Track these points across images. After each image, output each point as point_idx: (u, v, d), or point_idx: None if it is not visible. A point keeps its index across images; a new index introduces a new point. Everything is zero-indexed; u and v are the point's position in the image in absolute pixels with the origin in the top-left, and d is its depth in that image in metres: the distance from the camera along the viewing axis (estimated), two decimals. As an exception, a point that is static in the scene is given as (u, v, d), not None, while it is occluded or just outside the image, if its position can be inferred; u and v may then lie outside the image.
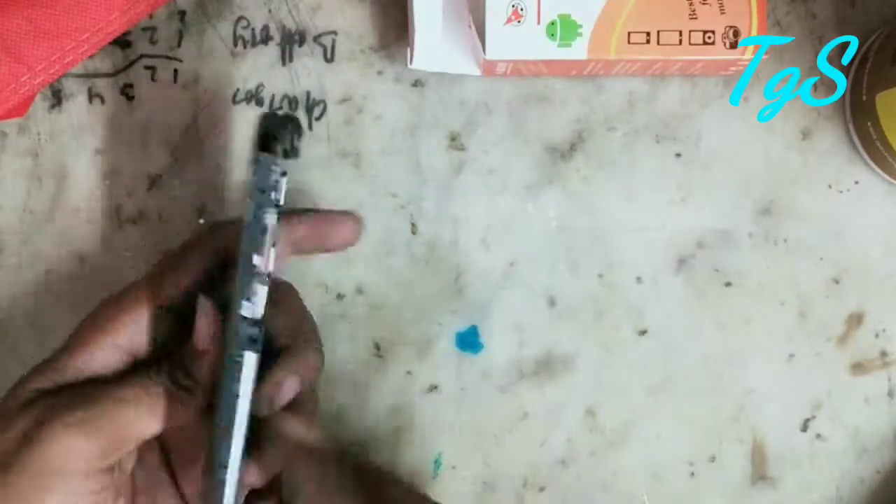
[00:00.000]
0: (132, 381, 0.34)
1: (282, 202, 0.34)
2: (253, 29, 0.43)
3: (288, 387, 0.34)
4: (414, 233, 0.43)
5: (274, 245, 0.34)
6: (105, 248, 0.43)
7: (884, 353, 0.44)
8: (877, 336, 0.44)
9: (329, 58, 0.43)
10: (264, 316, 0.34)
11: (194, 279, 0.36)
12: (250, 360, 0.34)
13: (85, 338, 0.35)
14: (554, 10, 0.38)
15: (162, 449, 0.37)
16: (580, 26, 0.39)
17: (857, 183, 0.44)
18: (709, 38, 0.39)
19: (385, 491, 0.36)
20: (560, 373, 0.44)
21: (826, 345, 0.44)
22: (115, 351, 0.35)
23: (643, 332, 0.44)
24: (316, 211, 0.40)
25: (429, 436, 0.43)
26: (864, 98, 0.41)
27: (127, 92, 0.43)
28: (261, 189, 0.33)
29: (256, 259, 0.33)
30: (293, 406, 0.35)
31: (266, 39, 0.43)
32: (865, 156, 0.43)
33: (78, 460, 0.32)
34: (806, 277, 0.44)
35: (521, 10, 0.38)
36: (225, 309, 0.35)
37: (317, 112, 0.43)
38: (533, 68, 0.41)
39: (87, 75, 0.43)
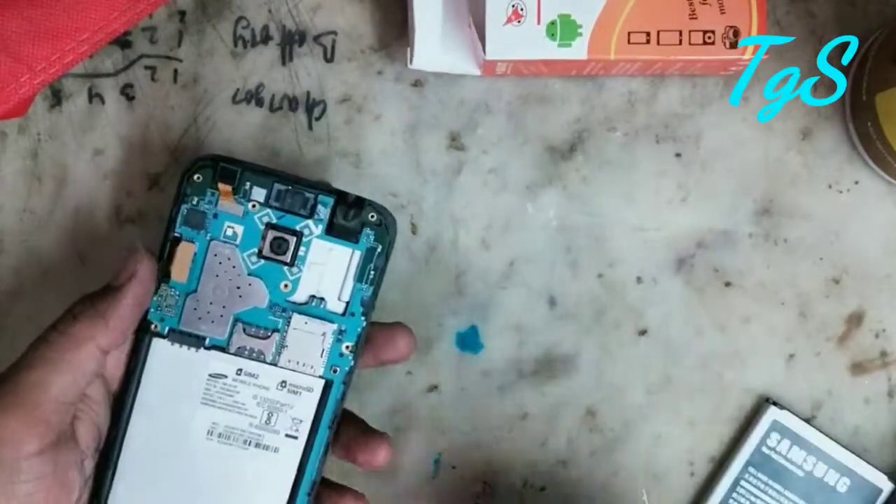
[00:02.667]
0: (34, 346, 0.34)
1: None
2: (253, 29, 0.43)
3: None
4: (414, 233, 0.43)
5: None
6: (105, 248, 0.43)
7: (884, 353, 0.44)
8: (877, 336, 0.44)
9: (329, 58, 0.43)
10: None
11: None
12: None
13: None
14: (554, 10, 0.38)
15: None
16: (580, 26, 0.39)
17: (857, 183, 0.44)
18: (709, 38, 0.39)
19: None
20: (560, 373, 0.44)
21: (826, 345, 0.44)
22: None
23: (643, 332, 0.44)
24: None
25: (429, 436, 0.43)
26: (864, 98, 0.41)
27: (127, 92, 0.43)
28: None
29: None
30: None
31: (266, 39, 0.43)
32: (865, 156, 0.43)
33: (20, 444, 0.32)
34: (806, 277, 0.44)
35: (521, 10, 0.38)
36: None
37: (317, 112, 0.43)
38: (533, 68, 0.41)
39: (87, 75, 0.43)
